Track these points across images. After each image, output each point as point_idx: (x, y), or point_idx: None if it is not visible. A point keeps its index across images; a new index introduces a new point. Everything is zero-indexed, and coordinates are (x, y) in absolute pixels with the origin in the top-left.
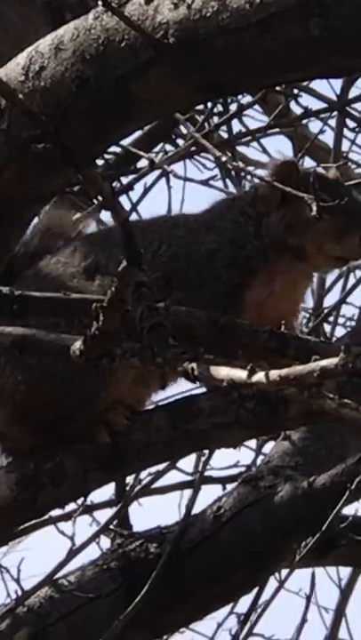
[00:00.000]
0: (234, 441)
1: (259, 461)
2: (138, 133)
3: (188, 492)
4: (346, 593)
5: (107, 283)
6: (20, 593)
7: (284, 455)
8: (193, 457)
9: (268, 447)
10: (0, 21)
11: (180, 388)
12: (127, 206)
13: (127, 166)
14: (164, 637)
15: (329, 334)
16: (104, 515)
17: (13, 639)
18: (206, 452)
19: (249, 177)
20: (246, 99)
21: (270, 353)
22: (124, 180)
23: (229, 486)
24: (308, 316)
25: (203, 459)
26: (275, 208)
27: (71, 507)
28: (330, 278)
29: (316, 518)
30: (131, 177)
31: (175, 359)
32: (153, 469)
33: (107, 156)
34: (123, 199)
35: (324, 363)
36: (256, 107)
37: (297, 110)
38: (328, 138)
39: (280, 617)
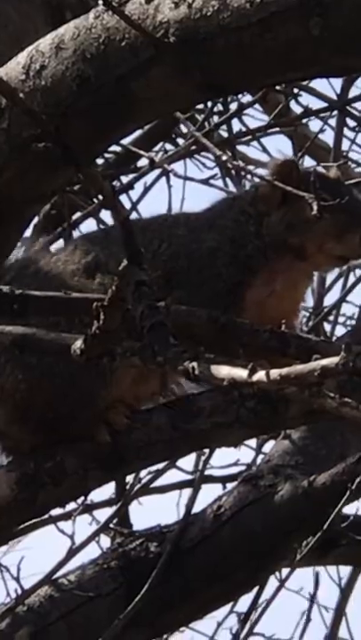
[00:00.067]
0: (234, 440)
1: (259, 460)
2: (138, 132)
3: (188, 491)
4: (346, 592)
5: (107, 281)
6: (19, 592)
7: (284, 454)
8: (193, 456)
9: (269, 446)
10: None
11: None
12: (127, 205)
13: (127, 165)
14: (165, 636)
15: (329, 333)
16: (104, 514)
17: (14, 638)
18: (206, 451)
19: (249, 176)
20: (246, 98)
21: (271, 352)
22: (125, 179)
23: (229, 485)
24: (308, 314)
25: (203, 458)
26: (275, 207)
27: (71, 506)
28: (330, 277)
29: (316, 517)
30: (131, 176)
31: (176, 358)
32: (153, 468)
33: (107, 155)
34: (123, 198)
35: (325, 362)
36: (256, 106)
37: (297, 109)
38: (328, 137)
39: (281, 616)
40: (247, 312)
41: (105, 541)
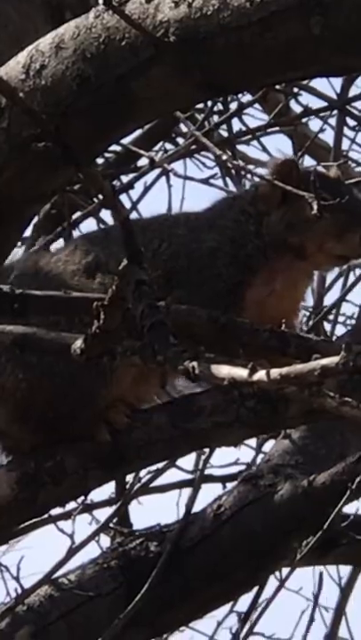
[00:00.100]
0: (234, 440)
1: (259, 460)
2: (138, 132)
3: (187, 491)
4: (346, 591)
5: (108, 281)
6: (19, 591)
7: (284, 454)
8: (193, 455)
9: (269, 446)
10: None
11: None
12: (127, 205)
13: (127, 165)
14: (164, 636)
15: (329, 332)
16: (104, 513)
17: (14, 638)
18: (206, 450)
19: (249, 176)
20: (246, 97)
21: (271, 351)
22: (125, 179)
23: (229, 485)
24: (308, 314)
25: (203, 457)
26: (275, 207)
27: (71, 505)
28: (330, 276)
29: (316, 517)
30: (131, 175)
31: (176, 357)
32: (153, 468)
33: (107, 155)
34: (123, 198)
35: (325, 361)
36: (256, 105)
37: (297, 109)
38: (328, 136)
39: (281, 616)
40: (247, 311)
41: (105, 541)
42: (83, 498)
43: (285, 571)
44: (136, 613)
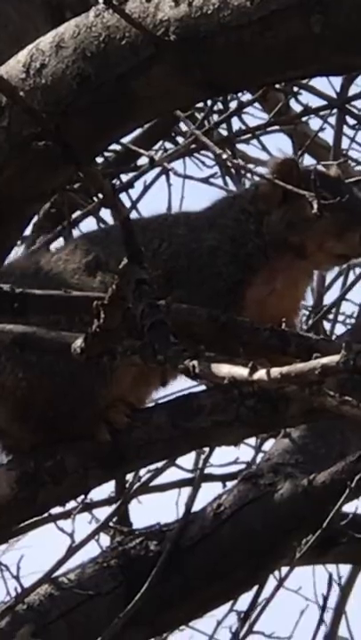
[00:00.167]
0: (234, 439)
1: (259, 459)
2: (138, 131)
3: (187, 490)
4: (346, 590)
5: (108, 279)
6: (19, 590)
7: (284, 453)
8: (193, 454)
9: (269, 445)
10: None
11: (181, 385)
12: (127, 204)
13: (127, 164)
14: (164, 635)
15: (329, 331)
16: (104, 512)
17: (15, 637)
18: (206, 449)
19: (249, 175)
20: (246, 96)
21: (271, 350)
22: (125, 178)
23: (229, 484)
24: (308, 313)
25: (203, 456)
26: (275, 206)
27: (71, 504)
28: (330, 275)
29: (316, 516)
30: (131, 174)
31: (176, 357)
32: (152, 467)
33: (107, 154)
34: (123, 197)
35: (325, 360)
36: (256, 104)
37: (297, 108)
38: (328, 135)
39: (280, 615)
40: (247, 311)
41: (105, 540)
42: (83, 497)
43: (285, 570)
44: (136, 612)
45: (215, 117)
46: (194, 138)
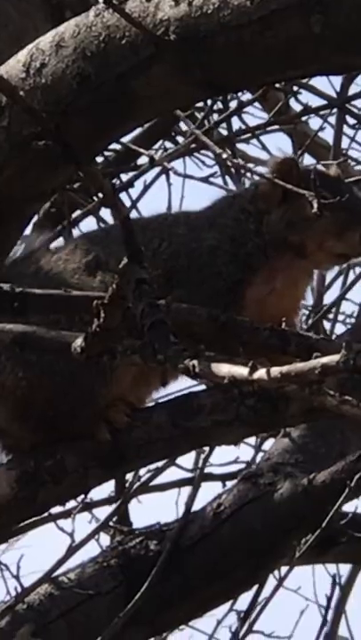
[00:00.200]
0: (234, 438)
1: (259, 458)
2: (138, 130)
3: (187, 489)
4: (346, 590)
5: (108, 279)
6: (19, 590)
7: (284, 452)
8: (193, 454)
9: (269, 444)
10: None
11: (181, 385)
12: (127, 203)
13: (127, 163)
14: (164, 635)
15: (329, 331)
16: (104, 512)
17: (15, 636)
18: (206, 449)
19: (249, 174)
20: (246, 96)
21: (271, 350)
22: (125, 177)
23: (229, 483)
24: (308, 312)
25: (202, 456)
26: (275, 205)
27: (71, 504)
28: (330, 275)
29: (315, 515)
30: (131, 174)
31: (176, 356)
32: (152, 466)
33: (107, 153)
34: (123, 196)
35: (325, 360)
36: (256, 104)
37: (297, 107)
38: (328, 135)
39: (280, 614)
40: (247, 310)
41: (105, 539)
42: (82, 496)
43: (284, 569)
44: (136, 612)
45: (215, 117)
46: (194, 137)
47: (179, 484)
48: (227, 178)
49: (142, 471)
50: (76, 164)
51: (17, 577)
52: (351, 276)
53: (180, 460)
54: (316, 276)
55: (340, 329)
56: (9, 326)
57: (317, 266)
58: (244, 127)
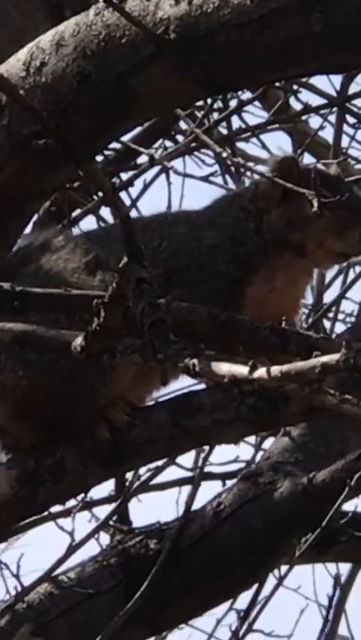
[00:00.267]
0: (234, 437)
1: (258, 457)
2: (138, 129)
3: (187, 489)
4: (345, 589)
5: (108, 278)
6: (19, 589)
7: (283, 451)
8: (192, 453)
9: (268, 443)
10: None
11: (181, 384)
12: (127, 202)
13: (127, 162)
14: (164, 634)
15: (329, 330)
16: (103, 511)
17: (15, 635)
18: (206, 448)
19: (249, 173)
20: (246, 95)
21: (271, 349)
22: (124, 176)
23: (229, 482)
24: (307, 311)
25: (202, 455)
26: (275, 204)
27: (71, 503)
28: (330, 274)
29: (315, 514)
30: (131, 173)
31: (176, 355)
32: (152, 465)
33: (107, 152)
34: (123, 195)
35: (326, 359)
36: (256, 103)
37: (297, 106)
38: (328, 134)
39: (280, 613)
40: (247, 309)
41: (104, 538)
42: (82, 495)
43: (284, 568)
44: (135, 611)
45: (215, 116)
46: (194, 136)
47: (179, 482)
48: (227, 177)
49: (142, 470)
50: (76, 162)
51: (17, 576)
52: (351, 275)
53: (180, 459)
54: (316, 274)
55: (340, 328)
56: (9, 325)
57: (317, 265)
58: (244, 126)
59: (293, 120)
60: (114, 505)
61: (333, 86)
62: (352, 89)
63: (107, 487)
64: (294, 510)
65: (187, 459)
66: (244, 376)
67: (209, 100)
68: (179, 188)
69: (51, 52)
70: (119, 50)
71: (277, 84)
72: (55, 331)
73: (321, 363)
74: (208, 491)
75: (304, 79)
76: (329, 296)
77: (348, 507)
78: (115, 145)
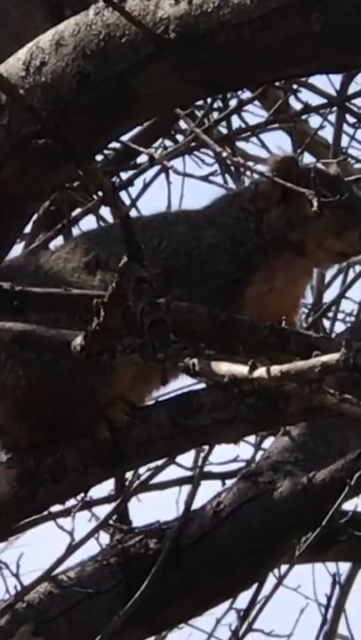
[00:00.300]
0: (234, 437)
1: (258, 457)
2: (138, 129)
3: (187, 488)
4: (345, 588)
5: (108, 278)
6: (19, 588)
7: (283, 451)
8: (192, 452)
9: (268, 443)
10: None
11: (181, 383)
12: (127, 202)
13: (127, 162)
14: (164, 633)
15: (328, 329)
16: (103, 510)
17: (14, 635)
18: (206, 447)
19: (249, 173)
20: (246, 94)
21: (271, 348)
22: (124, 176)
23: (229, 482)
24: (307, 311)
25: (202, 454)
26: (275, 204)
27: (70, 502)
28: (329, 273)
29: (315, 514)
30: (130, 172)
31: (176, 355)
32: (152, 465)
33: (106, 152)
34: (122, 195)
35: (325, 358)
36: (256, 102)
37: (296, 106)
38: (327, 133)
39: (280, 612)
40: (247, 309)
41: (104, 538)
42: (82, 495)
43: (284, 568)
44: (135, 610)
45: (215, 115)
46: (194, 136)
47: (178, 482)
48: (226, 176)
49: (142, 470)
50: (75, 162)
51: (17, 575)
52: (351, 275)
53: (180, 459)
54: (316, 274)
55: (339, 327)
56: (8, 325)
57: (317, 264)
58: (243, 125)
59: (293, 119)
60: (114, 504)
61: (333, 86)
62: (352, 88)
63: (106, 487)
64: (294, 510)
65: (186, 458)
66: (244, 375)
67: (209, 100)
68: (178, 187)
69: (50, 51)
70: (119, 49)
71: (277, 84)
72: (55, 330)
73: (321, 362)
74: (208, 490)
75: (304, 79)
76: (329, 295)
77: (348, 506)
78: (114, 144)
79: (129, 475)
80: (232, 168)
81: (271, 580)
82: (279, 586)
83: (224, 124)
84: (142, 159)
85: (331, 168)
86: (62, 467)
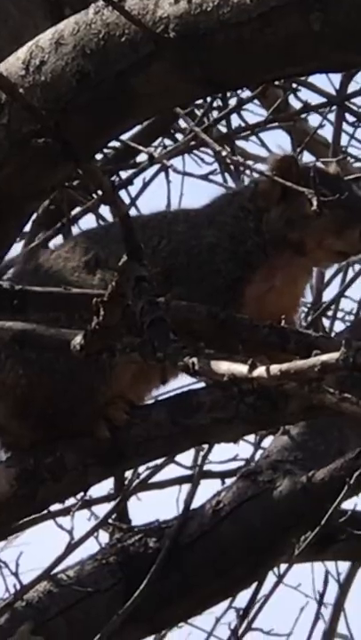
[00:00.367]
0: (234, 436)
1: (258, 456)
2: (137, 128)
3: (186, 487)
4: (345, 587)
5: (108, 277)
6: (18, 587)
7: (283, 450)
8: (192, 451)
9: (268, 442)
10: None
11: (180, 382)
12: (126, 201)
13: (126, 161)
14: (163, 632)
15: (328, 328)
16: (103, 509)
17: (14, 633)
18: (205, 446)
19: (248, 171)
20: (246, 93)
21: (270, 347)
22: (124, 175)
23: (228, 481)
24: (307, 310)
25: (202, 453)
26: (275, 203)
27: (70, 501)
28: (329, 272)
29: (315, 513)
30: (130, 171)
31: (176, 354)
32: (152, 464)
33: (106, 151)
34: (122, 194)
35: (325, 357)
36: (255, 101)
37: (296, 105)
38: (327, 132)
39: (279, 611)
40: (247, 308)
41: (104, 537)
42: (82, 494)
43: (284, 567)
44: (135, 609)
45: (214, 114)
46: (193, 135)
47: (178, 481)
48: (226, 175)
49: (141, 468)
50: (75, 161)
51: (16, 574)
52: (350, 274)
53: (180, 458)
54: (316, 273)
55: (339, 326)
56: (8, 324)
57: (317, 263)
58: (243, 124)
59: (293, 118)
60: (113, 503)
61: (333, 85)
62: (351, 87)
63: (106, 485)
64: (294, 509)
65: (186, 457)
66: (244, 375)
67: (208, 99)
68: (178, 186)
69: (50, 50)
70: (118, 48)
71: (277, 83)
72: (55, 329)
73: (320, 361)
74: (207, 489)
75: (303, 78)
76: (328, 294)
77: (348, 505)
78: (114, 143)
79: (128, 474)
80: (232, 167)
81: (271, 579)
82: (279, 585)
83: (224, 122)
84: (142, 158)
85: (330, 167)
86: (62, 466)
